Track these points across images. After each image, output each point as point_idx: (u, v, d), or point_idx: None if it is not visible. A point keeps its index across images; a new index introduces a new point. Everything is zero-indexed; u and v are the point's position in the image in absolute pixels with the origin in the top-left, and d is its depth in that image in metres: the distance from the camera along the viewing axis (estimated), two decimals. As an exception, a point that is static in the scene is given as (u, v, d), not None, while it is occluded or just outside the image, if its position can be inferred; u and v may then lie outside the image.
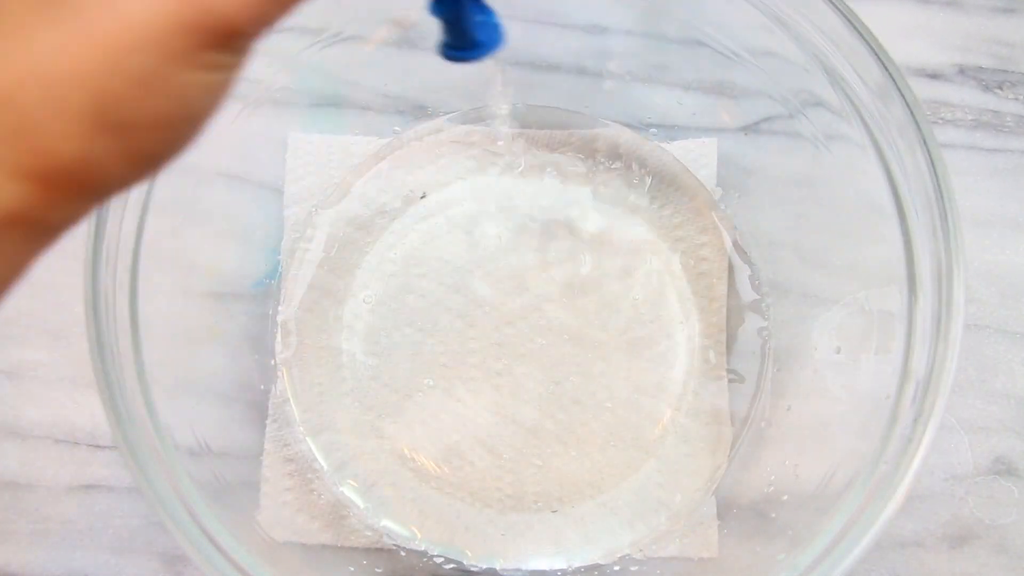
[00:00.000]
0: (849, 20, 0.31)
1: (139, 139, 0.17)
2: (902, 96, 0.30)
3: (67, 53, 0.16)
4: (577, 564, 0.37)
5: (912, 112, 0.30)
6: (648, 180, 0.41)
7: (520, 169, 0.41)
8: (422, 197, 0.41)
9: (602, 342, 0.39)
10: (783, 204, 0.40)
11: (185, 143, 0.18)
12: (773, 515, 0.35)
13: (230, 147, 0.37)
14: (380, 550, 0.37)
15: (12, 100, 0.16)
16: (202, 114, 0.18)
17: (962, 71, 0.43)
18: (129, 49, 0.16)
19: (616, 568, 0.37)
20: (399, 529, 0.37)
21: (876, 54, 0.31)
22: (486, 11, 0.24)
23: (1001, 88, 0.42)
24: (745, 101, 0.40)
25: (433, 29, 0.25)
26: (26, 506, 0.37)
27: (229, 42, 0.17)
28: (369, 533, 0.37)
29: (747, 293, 0.40)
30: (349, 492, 0.38)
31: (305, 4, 0.18)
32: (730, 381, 0.39)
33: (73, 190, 0.17)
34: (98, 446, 0.38)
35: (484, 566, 0.37)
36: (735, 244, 0.40)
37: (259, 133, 0.39)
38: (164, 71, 0.16)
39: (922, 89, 0.42)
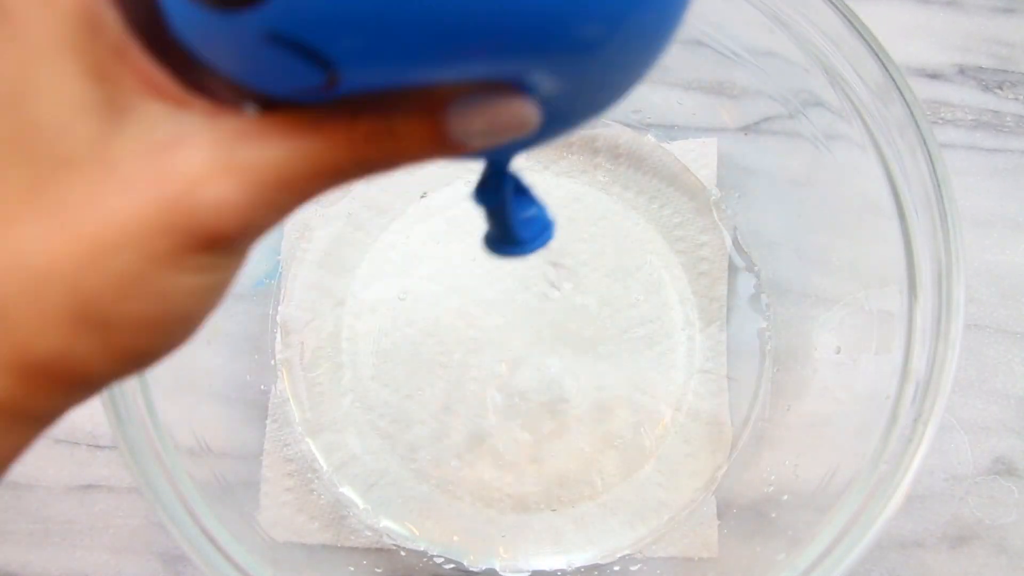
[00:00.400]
0: (849, 20, 0.31)
1: (123, 338, 0.16)
2: (902, 96, 0.30)
3: (48, 248, 0.15)
4: (577, 564, 0.37)
5: (912, 112, 0.30)
6: (648, 180, 0.41)
7: (520, 169, 0.41)
8: (422, 197, 0.41)
9: (602, 342, 0.39)
10: (783, 204, 0.40)
11: (176, 343, 0.17)
12: (773, 515, 0.35)
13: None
14: (380, 550, 0.37)
15: None
16: (193, 316, 0.17)
17: (962, 71, 0.43)
18: (110, 248, 0.15)
19: (616, 568, 0.37)
20: (399, 529, 0.37)
21: (876, 54, 0.31)
22: (533, 205, 0.21)
23: (1001, 88, 0.42)
24: (745, 101, 0.39)
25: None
26: (26, 506, 0.37)
27: (217, 247, 0.16)
28: (369, 533, 0.37)
29: (747, 293, 0.40)
30: (349, 492, 0.38)
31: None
32: (730, 381, 0.39)
33: (55, 384, 0.16)
34: (98, 446, 0.38)
35: (484, 566, 0.37)
36: (735, 244, 0.40)
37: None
38: (147, 272, 0.15)
39: (922, 89, 0.42)
